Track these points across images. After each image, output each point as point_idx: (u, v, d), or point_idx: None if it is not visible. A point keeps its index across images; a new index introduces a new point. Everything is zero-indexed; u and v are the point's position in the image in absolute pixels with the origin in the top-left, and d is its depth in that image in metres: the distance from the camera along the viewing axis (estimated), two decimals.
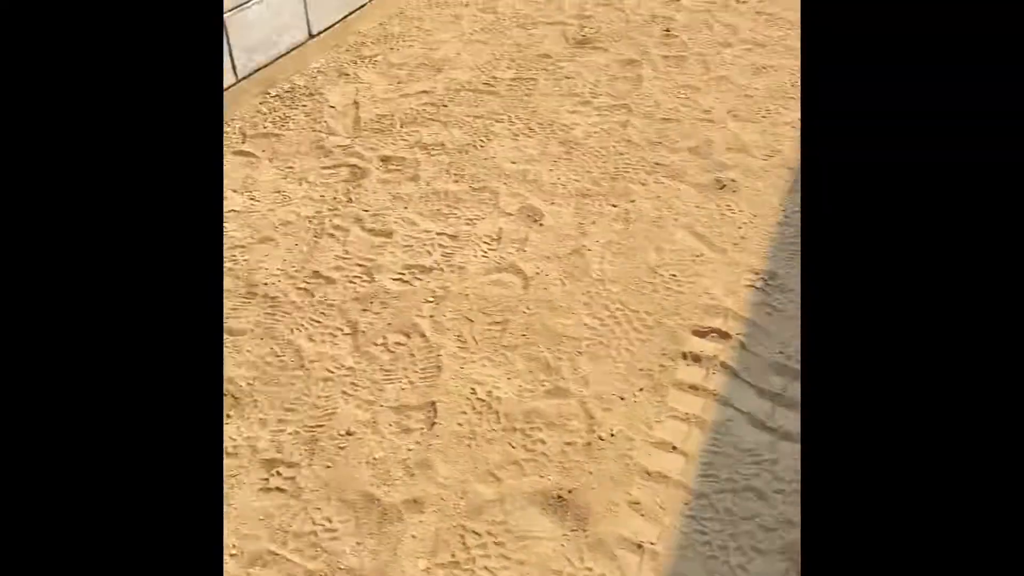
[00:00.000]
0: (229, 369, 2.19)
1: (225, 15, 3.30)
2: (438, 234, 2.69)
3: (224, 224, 2.79)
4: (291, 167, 3.11)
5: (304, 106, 3.52)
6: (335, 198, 2.91)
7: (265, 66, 3.59)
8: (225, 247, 2.68)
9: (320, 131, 3.34)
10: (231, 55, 3.39)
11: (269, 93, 3.61)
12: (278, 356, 2.23)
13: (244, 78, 3.48)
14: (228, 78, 3.40)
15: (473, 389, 2.09)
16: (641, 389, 2.08)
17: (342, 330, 2.32)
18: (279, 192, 2.96)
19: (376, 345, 2.25)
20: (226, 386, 2.14)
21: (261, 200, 2.92)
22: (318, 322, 2.35)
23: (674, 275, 2.47)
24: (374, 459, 1.92)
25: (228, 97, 3.42)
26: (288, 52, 3.70)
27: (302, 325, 2.33)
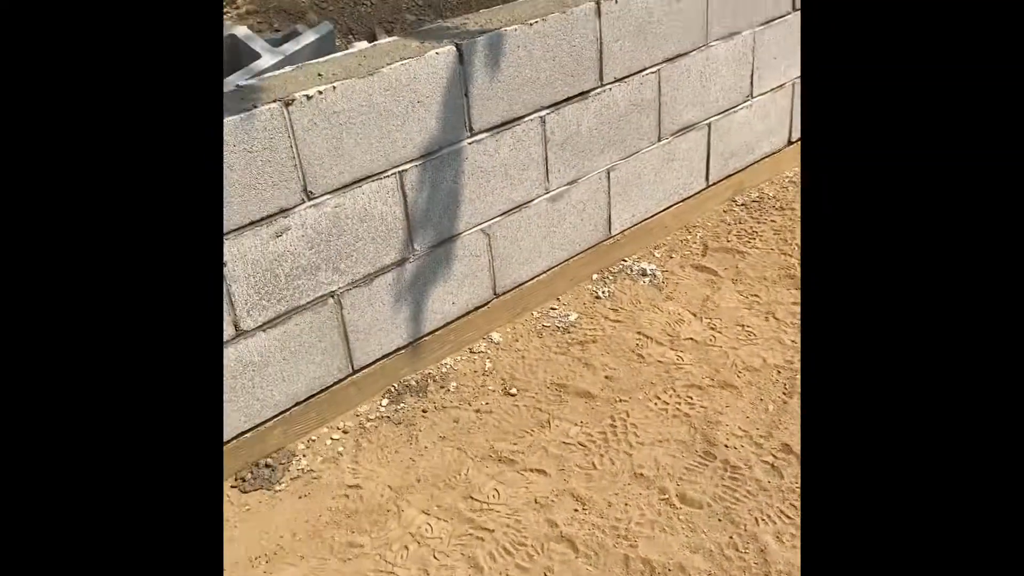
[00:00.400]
0: (680, 552, 1.89)
1: (712, 119, 3.09)
2: None
3: (680, 354, 2.54)
4: (756, 296, 2.78)
5: (773, 221, 3.18)
6: None
7: (738, 172, 3.32)
8: (680, 384, 2.42)
9: (790, 255, 2.96)
10: (708, 161, 3.17)
11: (736, 201, 3.33)
12: (739, 551, 1.88)
13: (714, 183, 3.24)
14: (698, 183, 3.19)
15: None
16: None
17: None
18: (742, 326, 2.64)
19: None
20: (677, 574, 1.84)
21: (722, 332, 2.62)
22: (789, 517, 1.95)
23: None
24: None
25: (694, 203, 3.20)
26: (763, 158, 3.39)
27: (769, 516, 1.96)
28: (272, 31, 3.42)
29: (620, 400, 2.38)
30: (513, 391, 2.46)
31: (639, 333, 2.66)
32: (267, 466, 2.24)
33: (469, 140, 2.41)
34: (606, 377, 2.48)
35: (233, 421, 2.17)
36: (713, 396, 2.35)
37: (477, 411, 2.40)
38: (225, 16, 3.43)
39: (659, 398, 2.37)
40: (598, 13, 2.58)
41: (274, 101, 1.98)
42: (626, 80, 2.76)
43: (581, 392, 2.42)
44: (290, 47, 3.00)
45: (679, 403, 2.34)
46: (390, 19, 3.69)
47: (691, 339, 2.61)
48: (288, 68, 2.21)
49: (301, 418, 2.33)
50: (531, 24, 2.42)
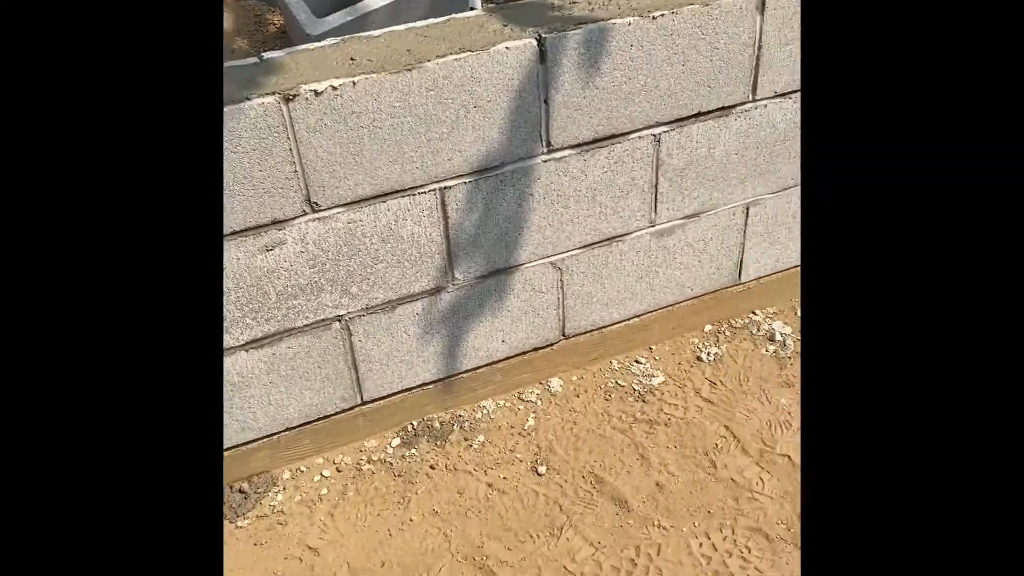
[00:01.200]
0: None
1: None
2: None
3: (764, 476, 1.95)
4: None
5: None
6: None
7: None
8: (744, 524, 1.85)
9: None
10: None
11: None
12: None
13: None
14: None
15: None
16: None
17: None
18: None
19: None
20: None
21: None
22: None
23: None
24: None
25: None
26: None
27: None
28: None
29: (658, 525, 1.86)
30: (542, 469, 2.01)
31: (726, 428, 2.08)
32: (241, 491, 1.99)
33: (544, 157, 1.90)
34: (656, 484, 1.95)
35: None
36: (781, 556, 1.77)
37: (489, 485, 1.99)
38: None
39: (708, 537, 1.82)
40: (761, 8, 1.90)
41: (271, 94, 1.60)
42: (791, 95, 2.07)
43: (618, 497, 1.93)
44: None
45: (729, 553, 1.78)
46: None
47: (788, 456, 1.99)
48: (329, 41, 1.80)
49: (292, 444, 2.04)
50: (654, 17, 1.81)
